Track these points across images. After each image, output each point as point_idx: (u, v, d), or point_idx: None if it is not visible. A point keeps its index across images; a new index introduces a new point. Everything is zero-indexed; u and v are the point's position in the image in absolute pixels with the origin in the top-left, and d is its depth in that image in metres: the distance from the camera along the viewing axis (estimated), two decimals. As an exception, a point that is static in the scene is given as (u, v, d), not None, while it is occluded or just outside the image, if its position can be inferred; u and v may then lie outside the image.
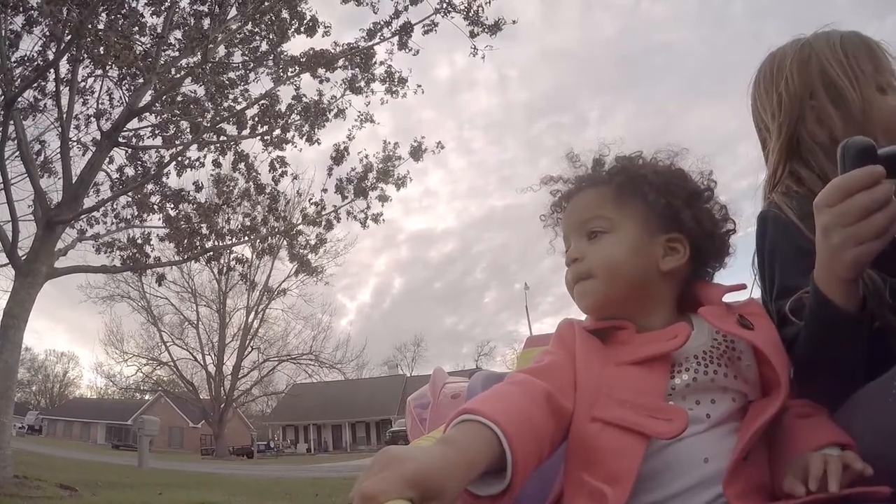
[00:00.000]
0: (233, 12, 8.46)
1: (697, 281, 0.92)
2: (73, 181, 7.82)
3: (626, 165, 0.94)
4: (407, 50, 7.90)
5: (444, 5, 7.65)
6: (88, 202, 8.50)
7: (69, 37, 6.14)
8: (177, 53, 8.67)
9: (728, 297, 0.88)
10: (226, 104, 9.15)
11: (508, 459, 0.63)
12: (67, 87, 8.08)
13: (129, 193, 9.38)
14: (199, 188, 9.50)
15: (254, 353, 32.64)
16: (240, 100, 9.22)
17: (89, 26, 5.87)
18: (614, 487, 0.70)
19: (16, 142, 7.57)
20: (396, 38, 7.90)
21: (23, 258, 6.95)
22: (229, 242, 9.50)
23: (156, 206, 8.92)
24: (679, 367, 0.80)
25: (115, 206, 9.60)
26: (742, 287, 0.90)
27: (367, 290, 66.09)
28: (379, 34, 7.98)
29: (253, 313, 31.83)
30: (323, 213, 10.01)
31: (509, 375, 0.83)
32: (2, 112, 6.64)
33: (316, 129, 8.87)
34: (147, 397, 38.47)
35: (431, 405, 1.22)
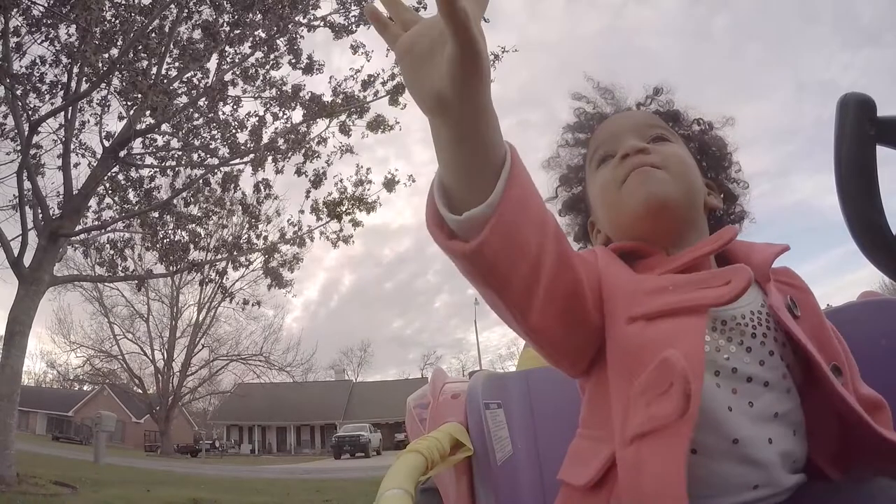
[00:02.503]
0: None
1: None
2: (74, 193, 8.33)
3: (676, 110, 0.92)
4: (397, 105, 8.79)
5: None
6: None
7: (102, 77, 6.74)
8: (175, 72, 9.28)
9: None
10: (217, 129, 9.73)
11: (506, 169, 0.55)
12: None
13: (117, 201, 9.93)
14: (186, 203, 10.07)
15: (204, 351, 32.48)
16: (230, 120, 9.88)
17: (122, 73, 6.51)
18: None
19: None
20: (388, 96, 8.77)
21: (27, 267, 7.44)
22: (213, 258, 10.10)
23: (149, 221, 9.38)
24: (718, 331, 0.68)
25: (98, 210, 10.08)
26: (786, 249, 0.79)
27: (316, 285, 63.22)
28: (372, 89, 8.84)
29: (205, 310, 31.77)
30: (299, 232, 10.71)
31: None
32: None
33: (306, 163, 9.57)
34: (86, 388, 37.62)
35: (431, 405, 1.17)
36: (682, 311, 0.63)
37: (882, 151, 0.64)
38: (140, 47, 6.90)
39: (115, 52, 6.98)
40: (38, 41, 7.99)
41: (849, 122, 0.63)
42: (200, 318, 31.80)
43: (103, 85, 7.96)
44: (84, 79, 8.03)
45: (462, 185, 0.57)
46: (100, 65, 6.64)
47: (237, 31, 8.60)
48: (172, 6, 8.13)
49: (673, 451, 0.57)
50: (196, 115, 9.38)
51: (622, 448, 0.62)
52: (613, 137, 0.83)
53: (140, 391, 32.14)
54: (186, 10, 8.55)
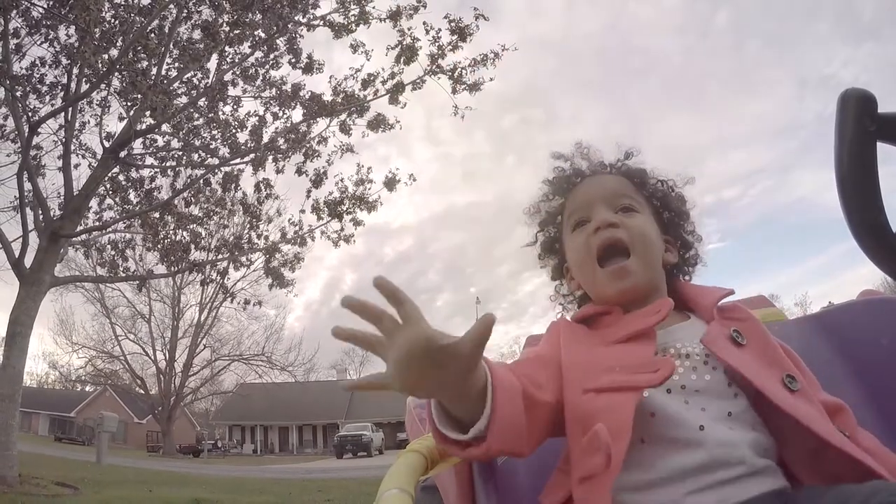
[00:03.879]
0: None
1: (683, 282, 1.00)
2: (74, 194, 8.34)
3: (641, 170, 1.02)
4: (397, 104, 8.78)
5: (433, 67, 8.57)
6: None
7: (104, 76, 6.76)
8: (175, 73, 9.28)
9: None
10: (217, 128, 9.72)
11: (489, 385, 0.68)
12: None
13: (118, 202, 9.94)
14: (187, 203, 10.07)
15: (206, 351, 32.51)
16: (231, 120, 9.87)
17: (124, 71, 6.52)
18: (612, 438, 0.70)
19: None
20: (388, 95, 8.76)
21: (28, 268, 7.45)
22: (214, 258, 10.09)
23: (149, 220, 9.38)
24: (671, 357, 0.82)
25: (98, 210, 10.09)
26: (731, 293, 0.92)
27: (317, 284, 61.17)
28: (372, 88, 8.83)
29: (206, 310, 31.80)
30: (300, 232, 10.69)
31: None
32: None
33: (307, 162, 9.57)
34: (88, 389, 37.70)
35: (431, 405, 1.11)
36: (622, 389, 0.76)
37: (883, 148, 0.64)
38: (139, 48, 6.88)
39: (114, 52, 6.96)
40: (38, 42, 8.03)
41: (849, 119, 0.63)
42: (202, 319, 31.88)
43: (103, 85, 7.98)
44: (84, 79, 8.05)
45: (459, 410, 0.72)
46: (99, 65, 6.64)
47: (237, 31, 8.60)
48: (172, 6, 8.14)
49: (602, 492, 0.71)
50: (196, 115, 9.39)
51: (575, 487, 0.76)
52: (587, 205, 0.97)
53: (142, 392, 32.21)
54: (186, 11, 8.56)
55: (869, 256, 0.65)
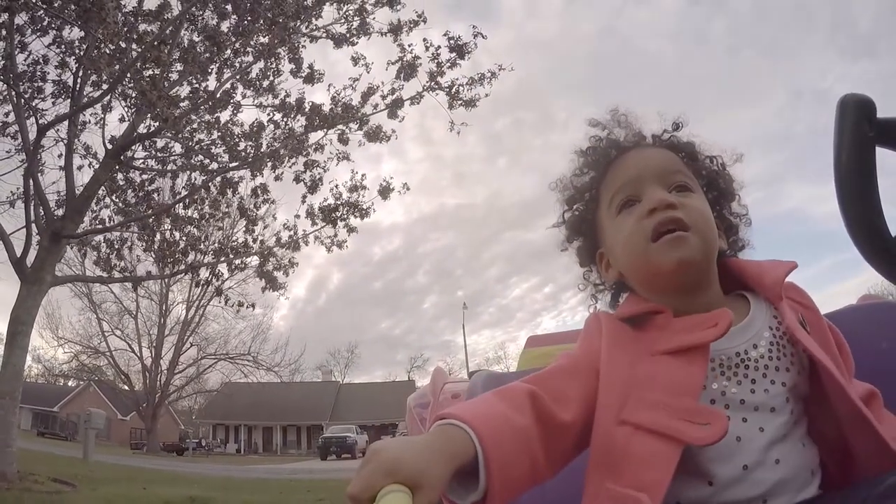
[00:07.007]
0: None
1: (736, 260, 0.90)
2: (77, 194, 8.48)
3: (690, 144, 0.93)
4: (395, 118, 9.05)
5: (432, 83, 8.84)
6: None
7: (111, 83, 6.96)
8: (176, 76, 9.44)
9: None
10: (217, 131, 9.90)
11: (480, 459, 0.63)
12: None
13: (115, 200, 10.09)
14: (185, 206, 10.22)
15: (192, 349, 32.44)
16: (230, 126, 10.05)
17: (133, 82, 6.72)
18: (647, 494, 0.65)
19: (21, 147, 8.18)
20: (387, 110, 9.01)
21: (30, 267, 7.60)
22: (210, 261, 10.27)
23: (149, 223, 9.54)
24: (723, 369, 0.76)
25: (95, 210, 10.22)
26: (794, 266, 0.83)
27: (303, 283, 60.80)
28: (371, 103, 9.08)
29: (194, 308, 31.76)
30: (294, 236, 10.87)
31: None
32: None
33: (306, 172, 9.79)
34: (71, 384, 37.45)
35: (431, 405, 1.20)
36: (665, 436, 0.70)
37: (881, 153, 0.64)
38: (150, 57, 7.07)
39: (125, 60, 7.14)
40: (46, 45, 8.17)
41: (848, 123, 0.64)
42: (189, 316, 31.84)
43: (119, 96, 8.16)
44: (89, 82, 8.22)
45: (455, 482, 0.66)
46: (108, 74, 6.83)
47: (240, 39, 8.78)
48: (177, 10, 8.31)
49: None
50: (196, 120, 9.55)
51: None
52: (637, 182, 0.85)
53: (127, 388, 32.05)
54: (190, 15, 8.71)
55: (866, 259, 0.65)
